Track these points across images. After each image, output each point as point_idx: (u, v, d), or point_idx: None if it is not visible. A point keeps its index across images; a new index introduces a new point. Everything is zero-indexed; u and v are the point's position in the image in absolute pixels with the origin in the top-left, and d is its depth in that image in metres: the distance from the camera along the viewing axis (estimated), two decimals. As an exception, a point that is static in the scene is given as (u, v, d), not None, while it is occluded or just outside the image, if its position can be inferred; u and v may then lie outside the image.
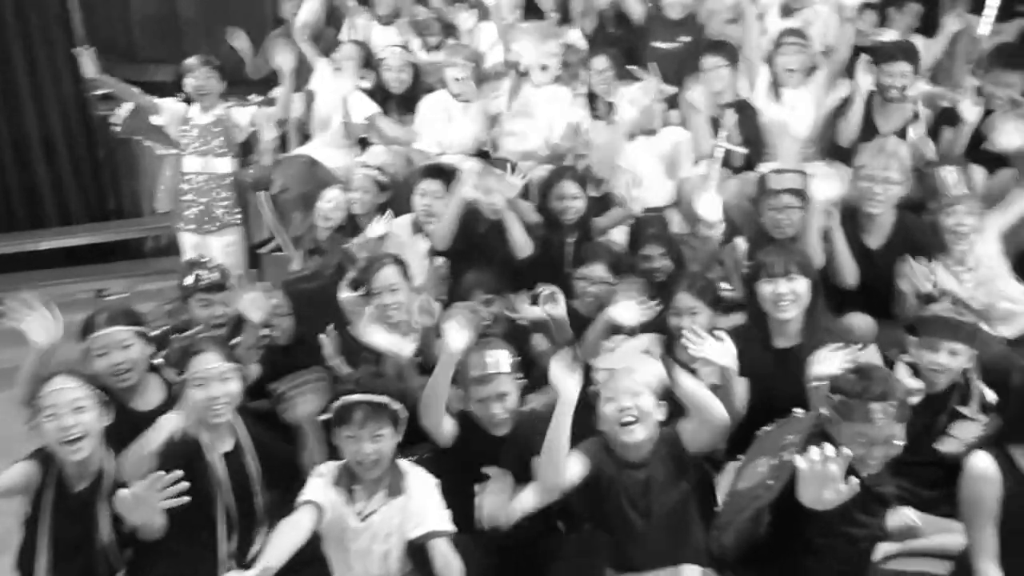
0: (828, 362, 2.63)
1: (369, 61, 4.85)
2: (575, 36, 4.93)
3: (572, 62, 4.69)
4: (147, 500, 2.25)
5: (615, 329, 3.09)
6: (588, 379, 2.57)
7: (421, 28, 5.28)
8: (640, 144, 4.18)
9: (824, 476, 2.02)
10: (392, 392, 2.45)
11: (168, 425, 2.58)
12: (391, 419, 2.41)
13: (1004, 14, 4.83)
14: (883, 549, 2.60)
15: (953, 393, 2.91)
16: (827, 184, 3.31)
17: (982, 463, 2.18)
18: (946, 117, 4.17)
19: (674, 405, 2.53)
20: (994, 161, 3.91)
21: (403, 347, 3.02)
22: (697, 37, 4.67)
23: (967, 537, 2.25)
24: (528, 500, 2.48)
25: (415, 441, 2.67)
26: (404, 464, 2.49)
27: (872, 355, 2.75)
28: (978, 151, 3.98)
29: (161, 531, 2.41)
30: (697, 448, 2.51)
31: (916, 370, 2.89)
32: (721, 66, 4.23)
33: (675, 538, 2.48)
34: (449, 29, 5.27)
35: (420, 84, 4.86)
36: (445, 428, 2.64)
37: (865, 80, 3.98)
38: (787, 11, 4.81)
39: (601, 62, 4.46)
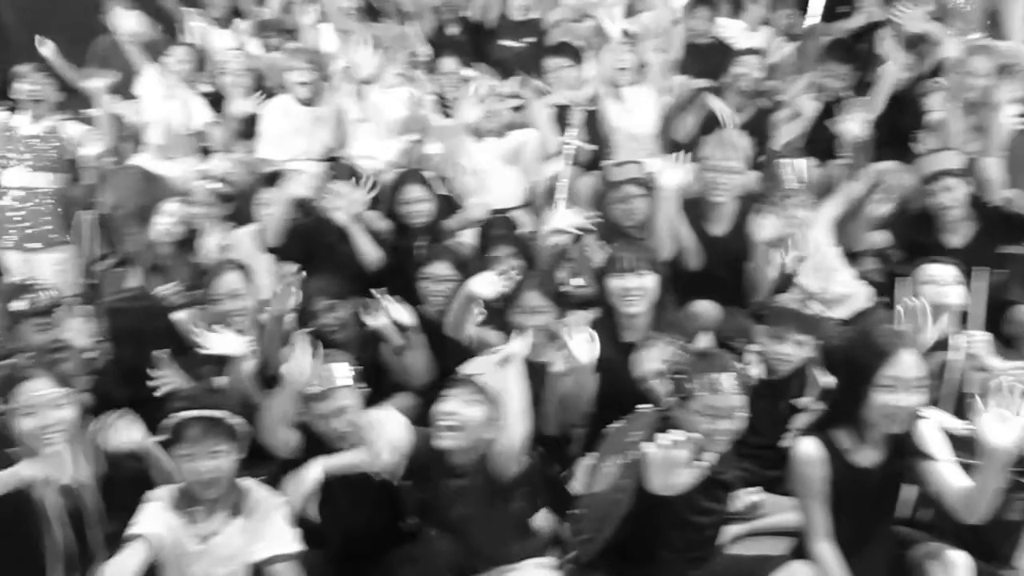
0: (652, 358, 2.70)
1: (203, 65, 4.64)
2: (417, 37, 4.87)
3: (417, 64, 4.64)
4: None
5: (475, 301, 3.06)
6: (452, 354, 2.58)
7: (261, 29, 5.11)
8: (486, 145, 4.16)
9: (673, 461, 2.03)
10: (230, 406, 2.32)
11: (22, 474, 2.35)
12: (229, 434, 2.28)
13: (828, 15, 5.10)
14: (730, 531, 2.66)
15: (794, 380, 3.06)
16: (673, 173, 3.39)
17: (807, 448, 2.25)
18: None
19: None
20: (826, 153, 4.13)
21: (244, 349, 2.88)
22: (542, 37, 4.70)
23: (800, 518, 2.32)
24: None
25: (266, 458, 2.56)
26: (248, 483, 2.36)
27: (704, 341, 2.84)
28: (812, 143, 4.19)
29: None
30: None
31: (763, 357, 3.03)
32: (564, 67, 4.28)
33: (505, 548, 2.45)
34: (291, 32, 5.12)
35: (261, 88, 4.69)
36: (286, 440, 2.54)
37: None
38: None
39: (449, 64, 4.43)
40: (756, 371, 2.95)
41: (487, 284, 3.00)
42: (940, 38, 4.53)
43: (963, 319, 3.22)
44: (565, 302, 3.22)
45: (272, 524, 2.29)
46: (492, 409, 2.38)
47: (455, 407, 2.37)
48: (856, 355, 2.27)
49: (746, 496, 2.66)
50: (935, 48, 4.55)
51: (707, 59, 4.57)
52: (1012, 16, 4.84)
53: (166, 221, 3.86)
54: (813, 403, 2.88)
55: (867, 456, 2.25)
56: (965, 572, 2.22)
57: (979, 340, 3.03)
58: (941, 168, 3.70)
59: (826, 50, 4.38)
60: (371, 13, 5.12)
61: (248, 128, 4.62)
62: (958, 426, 2.47)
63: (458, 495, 2.42)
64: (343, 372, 2.56)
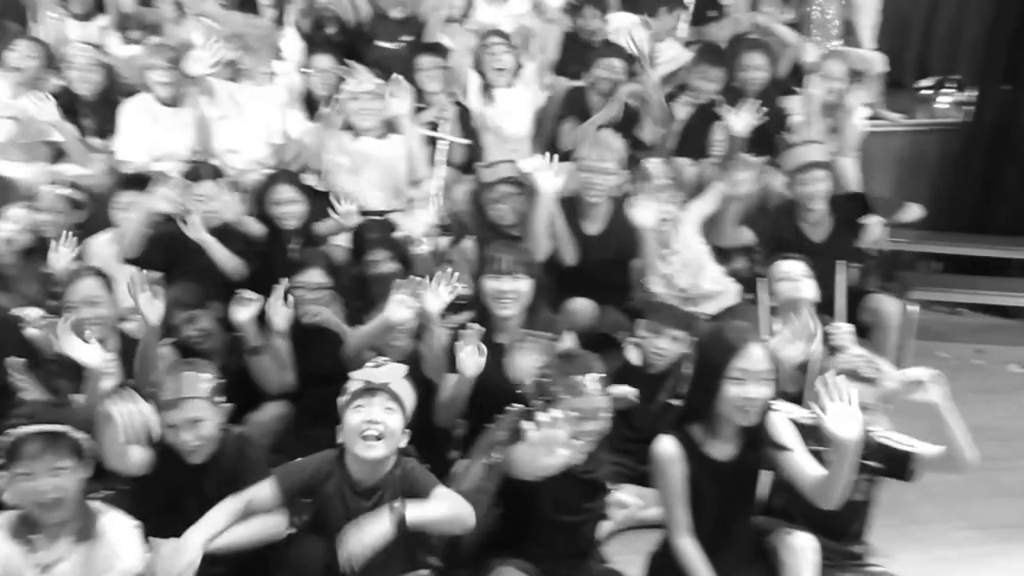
0: (525, 359, 2.71)
1: (52, 61, 4.38)
2: (290, 34, 4.74)
3: (277, 62, 4.51)
4: None
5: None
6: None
7: (123, 23, 4.87)
8: (363, 145, 4.06)
9: (551, 440, 2.02)
10: (74, 421, 2.15)
11: None
12: (72, 451, 2.11)
13: (698, 18, 5.24)
14: (607, 526, 2.70)
15: (669, 377, 3.15)
16: (550, 178, 3.40)
17: (665, 446, 2.28)
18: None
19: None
20: (698, 152, 4.24)
21: (102, 361, 2.69)
22: (418, 37, 4.66)
23: (663, 515, 2.35)
24: None
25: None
26: (96, 504, 2.20)
27: (568, 343, 2.86)
28: (684, 143, 4.30)
29: None
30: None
31: (641, 350, 3.14)
32: (437, 66, 4.26)
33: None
34: (154, 28, 4.89)
35: (117, 86, 4.46)
36: (132, 458, 2.39)
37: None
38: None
39: (323, 61, 4.31)
40: (635, 357, 3.00)
41: (400, 310, 2.87)
42: (799, 44, 4.73)
43: (825, 311, 3.36)
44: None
45: (121, 548, 2.14)
46: (405, 418, 2.32)
47: (378, 415, 2.27)
48: (707, 350, 2.32)
49: (618, 498, 2.67)
50: (793, 53, 4.74)
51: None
52: (863, 26, 5.13)
53: (9, 228, 3.60)
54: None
55: (722, 449, 2.30)
56: (811, 554, 2.33)
57: (843, 331, 3.17)
58: (808, 160, 3.84)
59: (698, 54, 4.47)
60: (243, 6, 4.93)
61: (106, 127, 4.37)
62: (804, 415, 2.53)
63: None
64: (199, 380, 2.44)
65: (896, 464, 2.49)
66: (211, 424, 2.43)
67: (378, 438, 2.26)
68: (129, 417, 2.34)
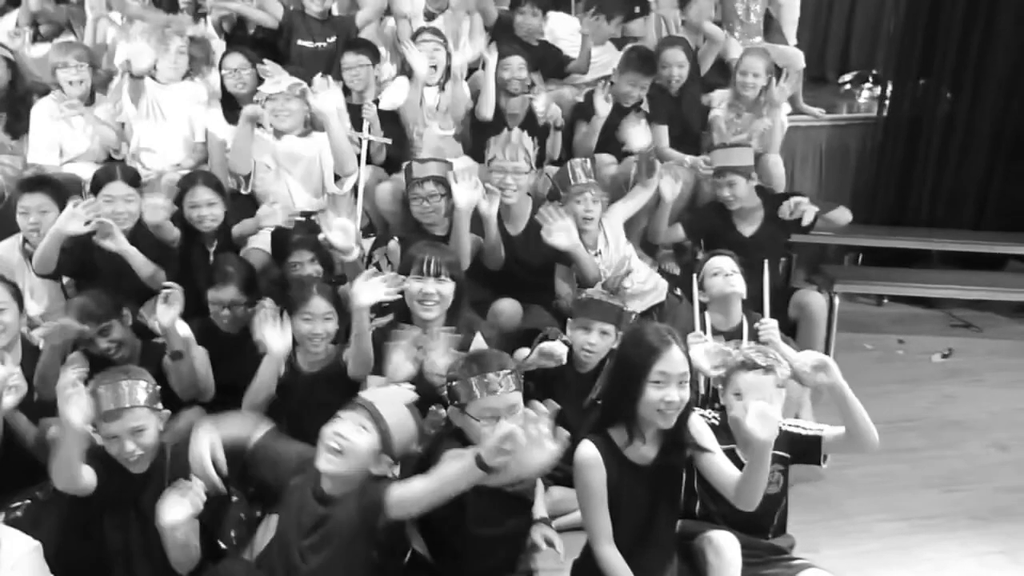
0: (441, 360, 2.66)
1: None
2: (207, 31, 4.59)
3: (198, 56, 4.36)
4: None
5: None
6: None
7: (36, 18, 4.65)
8: (287, 145, 3.94)
9: (536, 438, 1.94)
10: None
11: None
12: None
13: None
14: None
15: (599, 374, 3.11)
16: (466, 191, 3.35)
17: (584, 450, 2.26)
18: (581, 112, 4.45)
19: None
20: (622, 152, 4.23)
21: (6, 372, 2.56)
22: (345, 36, 4.55)
23: (584, 522, 2.32)
24: None
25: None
26: None
27: (479, 342, 2.81)
28: (609, 143, 4.28)
29: None
30: None
31: (570, 351, 3.08)
32: (362, 64, 4.20)
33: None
34: (65, 26, 4.70)
35: (25, 83, 4.28)
36: (84, 480, 2.29)
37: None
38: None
39: (235, 60, 4.18)
40: (562, 351, 2.97)
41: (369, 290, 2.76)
42: (720, 39, 4.76)
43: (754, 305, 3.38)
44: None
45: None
46: (382, 442, 2.23)
47: (346, 430, 2.19)
48: (627, 353, 2.30)
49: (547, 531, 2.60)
50: (714, 49, 4.77)
51: (534, 57, 4.56)
52: (788, 22, 5.20)
53: None
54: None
55: (643, 453, 2.28)
56: (731, 552, 2.37)
57: (769, 326, 3.20)
58: (725, 164, 3.96)
59: (628, 59, 4.45)
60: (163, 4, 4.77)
61: (16, 126, 4.19)
62: (709, 414, 2.60)
63: (311, 520, 2.23)
64: (138, 388, 2.35)
65: (806, 450, 2.54)
66: (153, 432, 2.36)
67: (338, 452, 2.18)
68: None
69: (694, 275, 3.42)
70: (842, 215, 4.30)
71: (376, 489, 2.17)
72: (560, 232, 3.37)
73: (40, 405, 2.80)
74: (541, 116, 4.27)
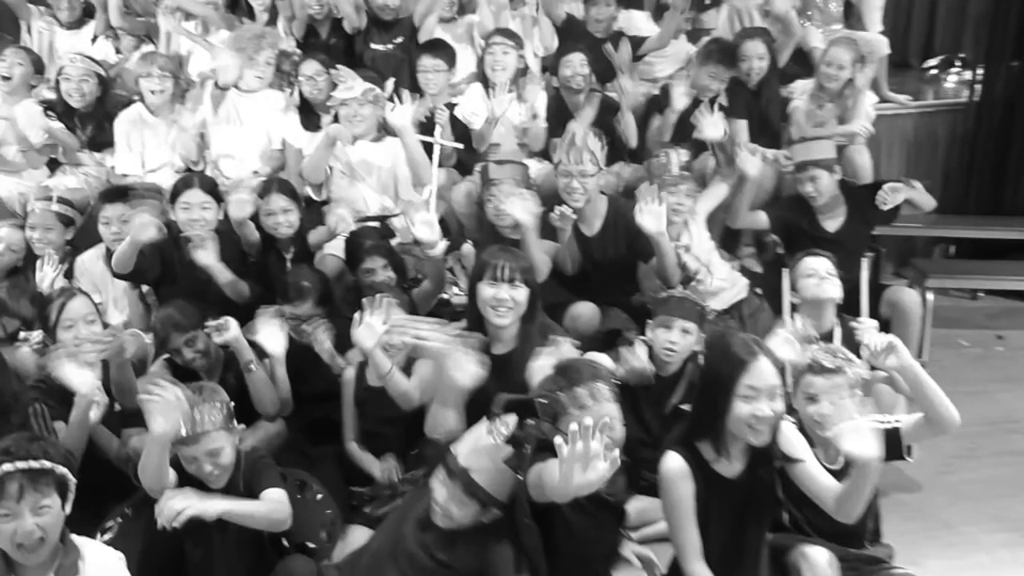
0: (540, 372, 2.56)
1: (42, 68, 4.32)
2: (285, 39, 4.61)
3: (286, 69, 4.39)
4: None
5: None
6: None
7: (113, 32, 4.79)
8: (358, 149, 3.94)
9: (586, 454, 1.83)
10: (55, 455, 2.05)
11: None
12: (57, 487, 2.02)
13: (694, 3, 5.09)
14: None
15: (681, 377, 3.02)
16: (524, 207, 3.21)
17: (672, 463, 2.17)
18: (655, 105, 4.34)
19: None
20: (698, 145, 4.10)
21: (92, 387, 2.60)
22: (410, 38, 4.54)
23: (672, 538, 2.23)
24: None
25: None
26: (78, 540, 2.09)
27: (568, 350, 2.69)
28: (682, 136, 4.16)
29: None
30: None
31: (650, 352, 3.01)
32: (439, 70, 4.18)
33: None
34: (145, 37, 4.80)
35: (111, 97, 4.37)
36: (171, 483, 2.33)
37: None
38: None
39: (311, 67, 4.19)
40: (643, 357, 2.90)
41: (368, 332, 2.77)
42: (797, 31, 4.57)
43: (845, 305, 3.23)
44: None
45: None
46: (482, 511, 2.24)
47: (443, 500, 2.23)
48: (714, 365, 2.21)
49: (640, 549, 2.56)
50: (791, 39, 4.60)
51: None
52: (872, 8, 4.98)
53: None
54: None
55: (732, 467, 2.19)
56: (828, 568, 2.26)
57: (868, 326, 3.04)
58: (808, 158, 3.80)
59: (708, 51, 4.32)
60: (234, 7, 4.83)
61: (101, 139, 4.29)
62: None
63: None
64: (213, 412, 2.36)
65: (888, 445, 2.34)
66: (230, 451, 2.38)
67: (445, 519, 2.25)
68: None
69: (783, 272, 3.27)
70: (928, 199, 4.07)
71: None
72: (651, 216, 3.23)
73: (120, 415, 2.84)
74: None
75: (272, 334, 3.01)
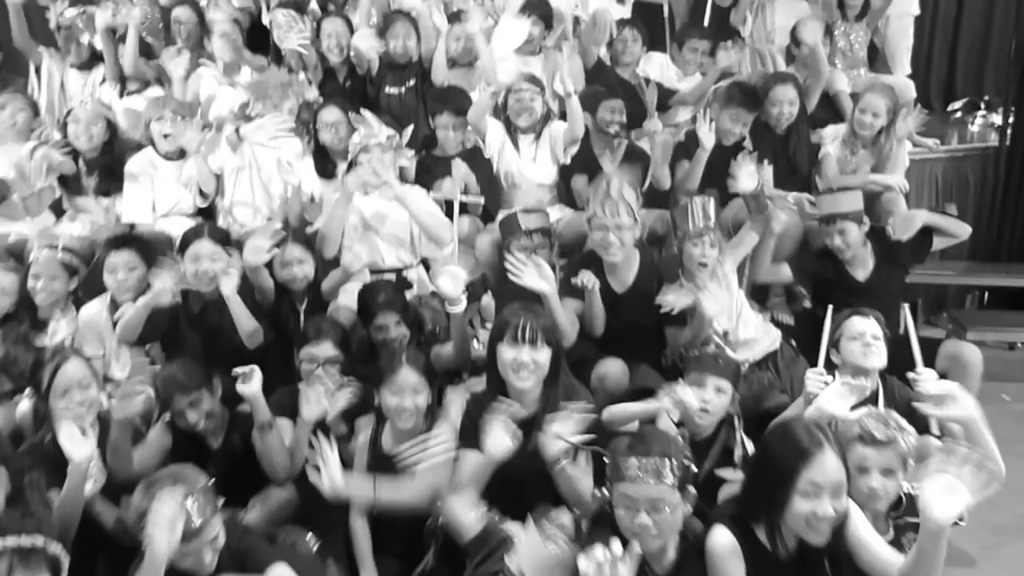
0: (558, 436, 2.43)
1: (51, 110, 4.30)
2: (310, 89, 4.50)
3: (306, 119, 4.28)
4: None
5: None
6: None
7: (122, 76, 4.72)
8: (375, 202, 3.78)
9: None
10: (48, 531, 1.92)
11: None
12: (48, 566, 1.91)
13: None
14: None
15: (716, 440, 2.83)
16: (535, 274, 3.05)
17: (721, 539, 2.01)
18: (682, 151, 4.22)
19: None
20: (722, 192, 3.96)
21: (88, 455, 2.42)
22: (422, 79, 4.47)
23: None
24: None
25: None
26: None
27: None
28: (709, 182, 4.03)
29: None
30: None
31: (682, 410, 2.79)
32: (457, 127, 4.09)
33: None
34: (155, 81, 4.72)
35: (120, 141, 4.28)
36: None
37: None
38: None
39: (332, 114, 4.08)
40: (675, 416, 2.73)
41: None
42: (824, 66, 4.45)
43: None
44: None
45: None
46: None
47: None
48: (774, 453, 2.04)
49: None
50: (819, 83, 4.48)
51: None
52: (899, 52, 4.88)
53: None
54: (736, 474, 2.63)
55: (786, 545, 2.03)
56: None
57: (928, 378, 2.84)
58: (835, 210, 3.65)
59: (731, 94, 4.19)
60: (252, 45, 4.75)
61: (109, 184, 4.19)
62: None
63: None
64: (202, 502, 2.18)
65: None
66: (220, 537, 2.22)
67: None
68: None
69: (821, 323, 3.08)
70: (961, 226, 3.85)
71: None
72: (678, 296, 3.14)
73: (116, 484, 2.67)
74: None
75: (312, 398, 2.81)
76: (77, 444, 2.38)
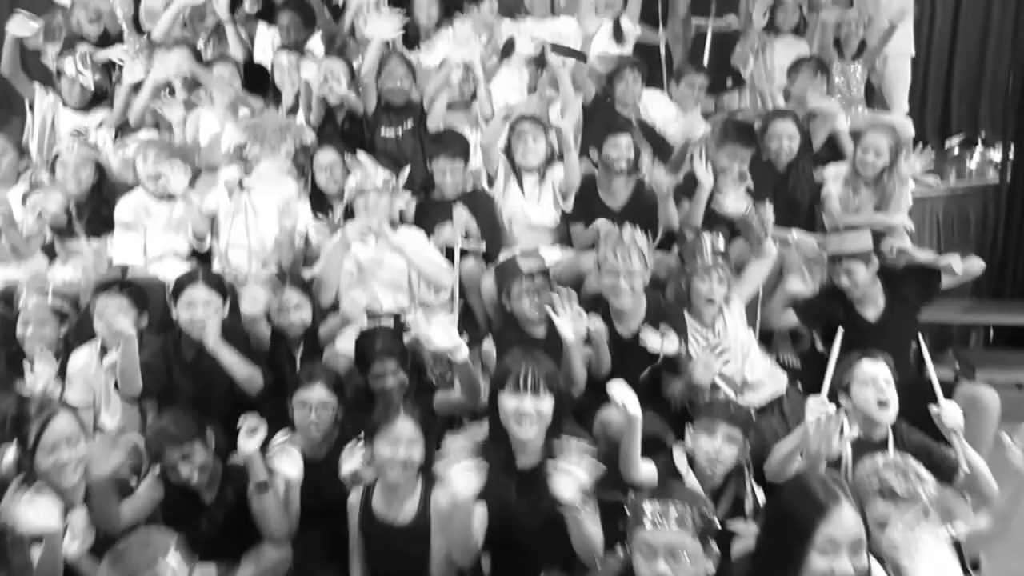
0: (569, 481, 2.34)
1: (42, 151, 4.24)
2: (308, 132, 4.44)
3: (302, 162, 4.24)
4: None
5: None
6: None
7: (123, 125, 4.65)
8: (370, 249, 3.72)
9: None
10: None
11: None
12: None
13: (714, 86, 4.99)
14: None
15: (725, 490, 2.78)
16: (570, 326, 3.04)
17: None
18: (682, 191, 4.17)
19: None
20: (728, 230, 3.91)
21: (52, 525, 2.33)
22: (419, 121, 4.42)
23: None
24: None
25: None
26: None
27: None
28: (714, 220, 3.98)
29: None
30: None
31: (691, 462, 2.78)
32: (455, 169, 4.02)
33: None
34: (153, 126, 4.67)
35: (109, 184, 4.22)
36: None
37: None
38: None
39: (328, 156, 4.03)
40: (684, 469, 2.70)
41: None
42: (833, 112, 4.44)
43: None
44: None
45: None
46: None
47: None
48: (788, 506, 1.96)
49: None
50: (827, 123, 4.46)
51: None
52: (897, 89, 4.88)
53: None
54: (748, 526, 2.54)
55: None
56: None
57: (952, 414, 2.81)
58: (842, 250, 3.63)
59: (726, 131, 4.15)
60: (251, 87, 4.72)
61: (99, 227, 4.12)
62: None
63: None
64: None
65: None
66: None
67: None
68: None
69: (832, 354, 3.01)
70: (974, 262, 3.80)
71: None
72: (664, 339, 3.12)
73: (104, 542, 2.51)
74: None
75: (290, 458, 2.74)
76: (37, 521, 2.29)
